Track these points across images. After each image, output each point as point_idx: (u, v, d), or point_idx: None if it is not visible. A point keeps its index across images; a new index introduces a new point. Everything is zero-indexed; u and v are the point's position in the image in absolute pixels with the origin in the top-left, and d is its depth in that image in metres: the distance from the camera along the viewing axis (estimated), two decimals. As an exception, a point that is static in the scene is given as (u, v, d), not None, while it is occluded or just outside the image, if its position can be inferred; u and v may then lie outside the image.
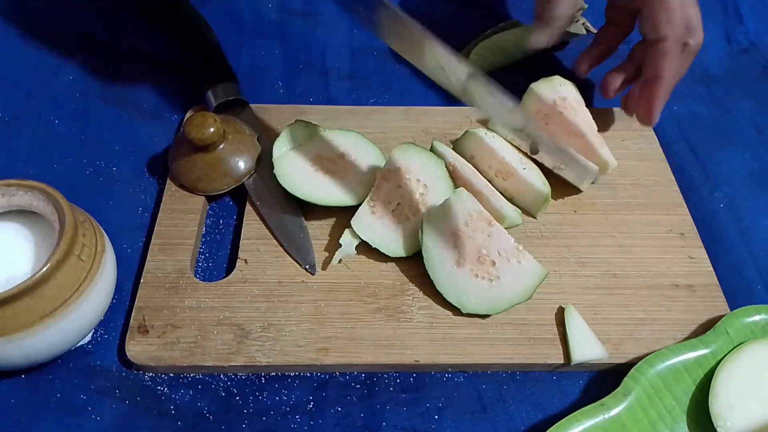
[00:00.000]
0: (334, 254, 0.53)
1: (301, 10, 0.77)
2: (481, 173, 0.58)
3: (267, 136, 0.62)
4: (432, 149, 0.58)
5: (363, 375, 0.49)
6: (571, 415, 0.44)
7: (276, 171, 0.56)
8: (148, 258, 0.54)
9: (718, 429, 0.44)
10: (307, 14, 0.76)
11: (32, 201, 0.47)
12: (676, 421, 0.46)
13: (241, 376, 0.49)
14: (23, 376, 0.48)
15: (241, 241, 0.55)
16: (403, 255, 0.53)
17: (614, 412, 0.45)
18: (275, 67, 0.72)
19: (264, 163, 0.59)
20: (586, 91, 0.68)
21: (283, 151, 0.57)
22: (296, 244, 0.54)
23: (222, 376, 0.49)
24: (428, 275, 0.51)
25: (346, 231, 0.54)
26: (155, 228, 0.56)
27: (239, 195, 0.60)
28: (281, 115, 0.65)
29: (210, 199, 0.59)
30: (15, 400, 0.47)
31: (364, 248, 0.54)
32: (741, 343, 0.48)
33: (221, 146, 0.57)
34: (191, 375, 0.49)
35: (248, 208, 0.57)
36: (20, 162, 0.62)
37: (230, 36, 0.72)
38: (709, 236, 0.57)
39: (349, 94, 0.69)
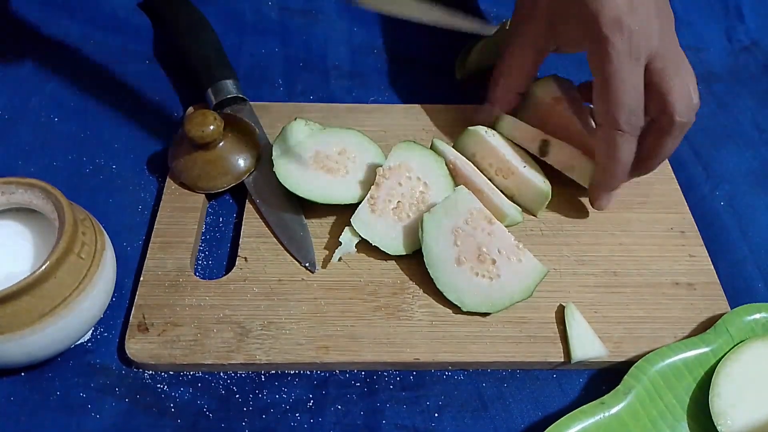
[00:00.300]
0: (333, 252, 0.53)
1: (302, 9, 0.76)
2: (481, 171, 0.58)
3: (267, 134, 0.62)
4: (432, 147, 0.58)
5: (363, 373, 0.49)
6: (571, 413, 0.44)
7: (276, 169, 0.55)
8: (147, 256, 0.54)
9: (719, 427, 0.44)
10: (308, 12, 0.76)
11: (32, 199, 0.47)
12: (676, 420, 0.46)
13: (241, 374, 0.49)
14: (23, 374, 0.48)
15: (241, 239, 0.55)
16: (403, 253, 0.53)
17: (615, 410, 0.45)
18: (276, 65, 0.72)
19: (264, 161, 0.59)
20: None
21: (282, 149, 0.57)
22: (296, 242, 0.54)
23: (222, 374, 0.49)
24: (428, 273, 0.51)
25: (346, 229, 0.54)
26: (155, 226, 0.56)
27: (239, 193, 0.60)
28: (282, 113, 0.65)
29: (210, 197, 0.59)
30: (14, 398, 0.47)
31: (364, 246, 0.54)
32: (741, 342, 0.48)
33: (221, 144, 0.57)
34: (191, 373, 0.49)
35: (248, 206, 0.57)
36: (20, 160, 0.62)
37: (231, 34, 0.72)
38: (709, 234, 0.57)
39: (349, 92, 0.69)
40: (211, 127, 0.55)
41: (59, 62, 0.70)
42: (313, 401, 0.48)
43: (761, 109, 0.70)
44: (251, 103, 0.64)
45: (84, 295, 0.45)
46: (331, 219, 0.57)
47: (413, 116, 0.65)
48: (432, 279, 0.51)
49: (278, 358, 0.48)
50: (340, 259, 0.53)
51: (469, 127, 0.60)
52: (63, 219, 0.45)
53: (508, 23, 0.72)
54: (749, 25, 0.79)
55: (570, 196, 0.59)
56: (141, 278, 0.52)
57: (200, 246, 0.56)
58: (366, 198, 0.54)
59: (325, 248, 0.55)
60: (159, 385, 0.48)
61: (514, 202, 0.58)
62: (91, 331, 0.50)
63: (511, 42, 0.59)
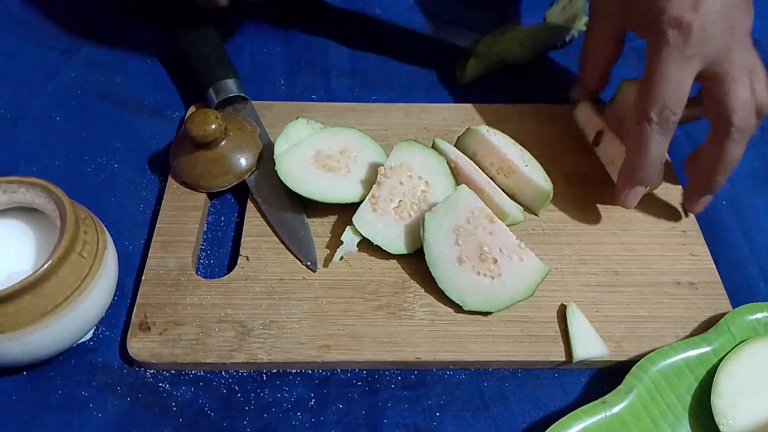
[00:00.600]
0: (335, 251, 0.53)
1: (303, 8, 0.76)
2: (483, 170, 0.58)
3: (269, 133, 0.62)
4: (433, 146, 0.58)
5: (364, 372, 0.49)
6: (572, 412, 0.44)
7: (277, 168, 0.55)
8: (149, 255, 0.54)
9: (721, 427, 0.44)
10: (309, 12, 0.76)
11: (34, 198, 0.47)
12: (678, 419, 0.45)
13: (242, 373, 0.49)
14: (25, 373, 0.48)
15: (242, 239, 0.55)
16: (405, 252, 0.53)
17: (616, 409, 0.45)
18: (277, 64, 0.72)
19: (265, 159, 0.59)
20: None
21: (284, 148, 0.57)
22: (298, 241, 0.54)
23: (223, 373, 0.49)
24: (429, 272, 0.51)
25: (348, 228, 0.54)
26: (157, 225, 0.56)
27: (241, 192, 0.60)
28: (283, 112, 0.65)
29: (211, 196, 0.59)
30: (16, 397, 0.47)
31: (366, 245, 0.54)
32: (743, 341, 0.48)
33: (223, 143, 0.57)
34: (193, 372, 0.49)
35: (249, 205, 0.57)
36: (22, 159, 0.62)
37: (232, 34, 0.72)
38: (711, 234, 0.57)
39: (350, 91, 0.69)
40: (213, 126, 0.55)
41: (60, 62, 0.70)
42: (315, 400, 0.48)
43: (763, 108, 0.70)
44: (253, 102, 0.64)
45: (86, 294, 0.45)
46: (332, 218, 0.57)
47: (414, 115, 0.65)
48: (433, 278, 0.51)
49: (280, 357, 0.48)
50: (341, 258, 0.53)
51: (471, 126, 0.59)
52: (65, 218, 0.45)
53: (505, 29, 0.72)
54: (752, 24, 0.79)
55: (572, 196, 0.59)
56: (143, 277, 0.52)
57: (202, 245, 0.56)
58: (367, 197, 0.54)
59: (326, 247, 0.55)
60: (160, 384, 0.48)
61: (516, 201, 0.58)
62: (92, 330, 0.50)
63: (592, 20, 0.60)
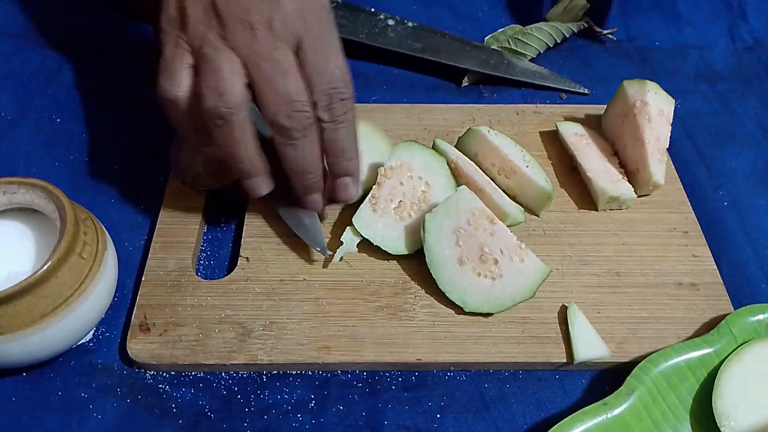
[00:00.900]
0: (335, 252, 0.53)
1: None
2: (483, 171, 0.58)
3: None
4: (434, 147, 0.58)
5: (365, 373, 0.49)
6: (573, 414, 0.44)
7: None
8: (149, 256, 0.53)
9: (722, 428, 0.44)
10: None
11: (34, 199, 0.47)
12: (679, 421, 0.45)
13: (242, 374, 0.49)
14: (24, 374, 0.48)
15: (242, 239, 0.55)
16: (405, 253, 0.53)
17: (617, 411, 0.44)
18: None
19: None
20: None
21: None
22: (305, 227, 0.54)
23: (223, 374, 0.49)
24: (430, 273, 0.51)
25: (348, 229, 0.53)
26: (156, 226, 0.56)
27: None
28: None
29: (212, 194, 0.59)
30: (16, 398, 0.47)
31: (366, 246, 0.54)
32: (745, 342, 0.47)
33: None
34: (193, 373, 0.49)
35: (250, 206, 0.57)
36: (22, 160, 0.62)
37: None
38: (712, 235, 0.57)
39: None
40: None
41: (61, 63, 0.70)
42: (315, 401, 0.47)
43: (765, 108, 0.70)
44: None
45: (85, 295, 0.45)
46: (332, 219, 0.57)
47: (415, 116, 0.65)
48: (434, 279, 0.51)
49: (280, 359, 0.48)
50: (341, 259, 0.53)
51: (472, 127, 0.59)
52: (64, 219, 0.45)
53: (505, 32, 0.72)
54: (753, 25, 0.79)
55: (573, 196, 0.59)
56: (143, 278, 0.52)
57: (202, 246, 0.56)
58: (368, 198, 0.54)
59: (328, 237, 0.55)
60: (160, 386, 0.48)
61: (517, 202, 0.58)
62: (92, 331, 0.50)
63: None
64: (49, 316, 0.44)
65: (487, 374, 0.49)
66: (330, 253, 0.53)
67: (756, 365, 0.46)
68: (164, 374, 0.49)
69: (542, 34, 0.72)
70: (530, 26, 0.73)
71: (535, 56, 0.73)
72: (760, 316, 0.49)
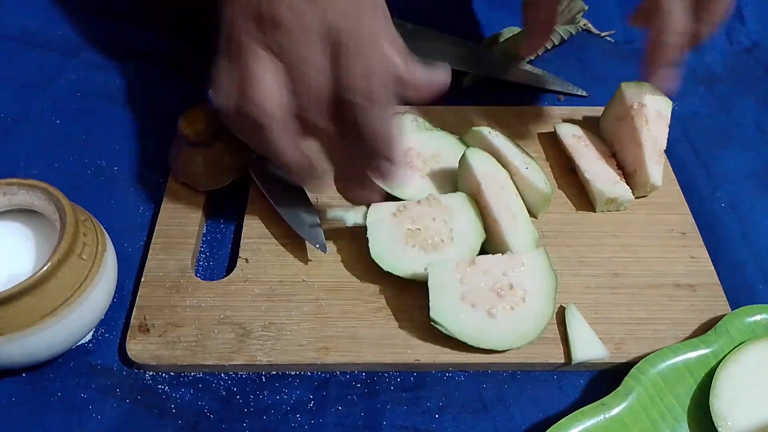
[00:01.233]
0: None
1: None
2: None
3: None
4: (463, 158, 0.56)
5: (364, 374, 0.49)
6: (571, 414, 0.44)
7: None
8: (149, 257, 0.54)
9: (719, 429, 0.44)
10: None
11: (33, 200, 0.47)
12: (677, 421, 0.45)
13: (242, 375, 0.49)
14: (24, 375, 0.48)
15: (241, 240, 0.55)
16: (395, 273, 0.51)
17: (615, 411, 0.45)
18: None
19: None
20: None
21: None
22: (305, 225, 0.54)
23: (223, 375, 0.49)
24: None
25: (360, 207, 0.53)
26: (156, 227, 0.56)
27: (240, 193, 0.60)
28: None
29: (211, 196, 0.59)
30: (16, 399, 0.47)
31: (366, 246, 0.54)
32: (742, 343, 0.48)
33: (218, 140, 0.57)
34: (192, 374, 0.49)
35: (249, 207, 0.57)
36: (22, 161, 0.62)
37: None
38: (710, 236, 0.57)
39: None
40: (203, 124, 0.55)
41: (60, 64, 0.70)
42: (314, 402, 0.48)
43: (762, 110, 0.70)
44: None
45: (85, 295, 0.45)
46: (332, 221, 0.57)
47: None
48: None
49: (279, 359, 0.48)
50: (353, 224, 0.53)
51: (472, 128, 0.60)
52: (64, 220, 0.45)
53: (503, 34, 0.73)
54: (750, 27, 0.79)
55: (571, 197, 0.59)
56: (142, 279, 0.52)
57: (201, 247, 0.56)
58: (398, 203, 0.54)
59: (328, 238, 0.55)
60: (160, 386, 0.48)
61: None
62: (92, 332, 0.50)
63: None
64: (48, 317, 0.44)
65: (486, 375, 0.49)
66: (320, 270, 0.53)
67: (753, 366, 0.46)
68: (164, 375, 0.49)
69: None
70: (529, 28, 0.73)
71: (533, 58, 0.73)
72: (758, 317, 0.49)
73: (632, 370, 0.46)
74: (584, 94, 0.70)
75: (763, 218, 0.60)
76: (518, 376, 0.49)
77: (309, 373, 0.49)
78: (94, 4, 0.76)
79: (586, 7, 0.75)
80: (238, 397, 0.48)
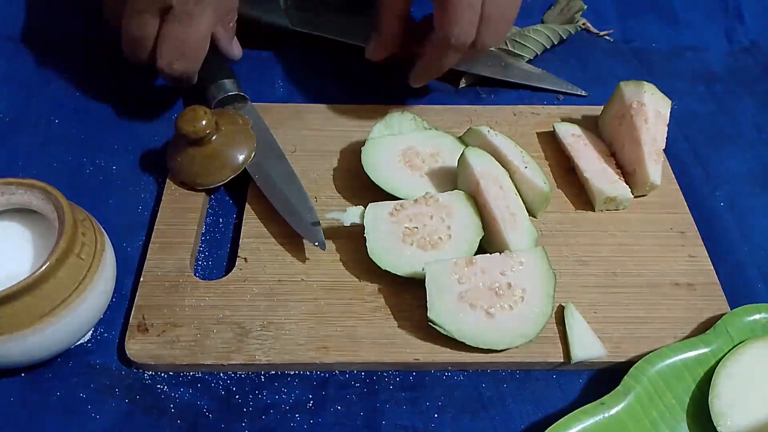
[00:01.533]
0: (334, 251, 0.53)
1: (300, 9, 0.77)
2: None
3: (269, 126, 0.62)
4: (462, 156, 0.56)
5: (363, 373, 0.49)
6: (571, 413, 0.44)
7: (365, 148, 0.58)
8: (147, 256, 0.54)
9: (719, 428, 0.44)
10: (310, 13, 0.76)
11: (32, 200, 0.47)
12: (676, 420, 0.45)
13: (240, 374, 0.49)
14: (23, 374, 0.48)
15: (240, 240, 0.55)
16: (392, 272, 0.51)
17: (614, 410, 0.45)
18: (276, 66, 0.72)
19: (266, 148, 0.60)
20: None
21: (382, 133, 0.60)
22: (304, 223, 0.54)
23: (222, 374, 0.49)
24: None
25: (358, 207, 0.53)
26: (155, 227, 0.56)
27: (239, 193, 0.60)
28: (282, 113, 0.65)
29: (210, 192, 0.59)
30: (14, 399, 0.47)
31: (364, 246, 0.54)
32: (741, 342, 0.48)
33: (215, 138, 0.57)
34: (191, 373, 0.49)
35: (248, 206, 0.57)
36: (20, 161, 0.62)
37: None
38: (709, 235, 0.57)
39: (350, 93, 0.69)
40: (203, 122, 0.55)
41: (59, 64, 0.70)
42: (313, 402, 0.48)
43: (761, 109, 0.70)
44: (253, 103, 0.64)
45: (84, 295, 0.45)
46: (331, 220, 0.57)
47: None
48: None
49: (278, 359, 0.48)
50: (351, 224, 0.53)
51: (471, 127, 0.60)
52: (63, 219, 0.45)
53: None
54: (749, 26, 0.79)
55: (570, 197, 0.59)
56: (141, 279, 0.52)
57: (200, 246, 0.56)
58: (395, 202, 0.54)
59: (327, 238, 0.55)
60: (159, 386, 0.48)
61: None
62: (91, 332, 0.50)
63: None
64: (47, 317, 0.44)
65: (485, 374, 0.49)
66: (319, 269, 0.53)
67: (753, 365, 0.46)
68: (162, 374, 0.49)
69: (539, 36, 0.73)
70: (527, 28, 0.73)
71: (532, 58, 0.73)
72: (757, 316, 0.49)
73: (631, 369, 0.46)
74: (583, 93, 0.70)
75: (762, 217, 0.60)
76: (517, 376, 0.49)
77: (308, 373, 0.49)
78: (93, 4, 0.76)
79: (585, 7, 0.75)
80: (237, 396, 0.48)
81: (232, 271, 0.53)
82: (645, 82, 0.60)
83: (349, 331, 0.50)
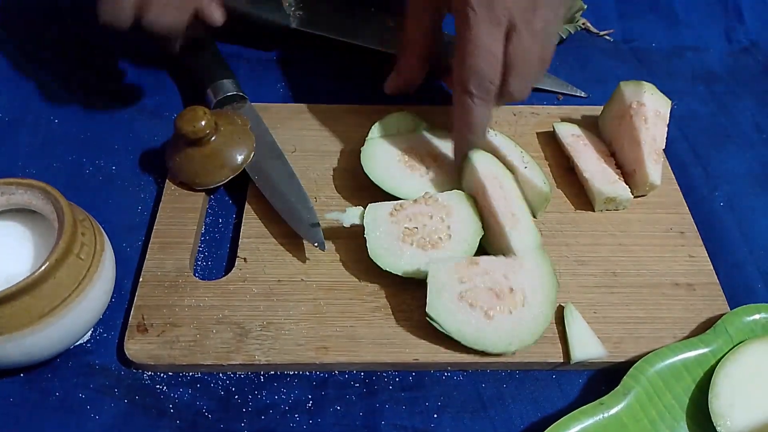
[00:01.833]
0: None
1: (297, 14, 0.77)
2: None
3: (268, 127, 0.62)
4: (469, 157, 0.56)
5: (362, 373, 0.49)
6: (570, 414, 0.44)
7: (364, 149, 0.58)
8: (147, 257, 0.54)
9: (718, 428, 0.44)
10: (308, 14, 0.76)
11: (31, 200, 0.47)
12: (676, 420, 0.45)
13: (240, 374, 0.49)
14: (22, 374, 0.48)
15: (240, 240, 0.55)
16: (392, 272, 0.51)
17: (614, 411, 0.45)
18: (275, 66, 0.72)
19: (265, 148, 0.60)
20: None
21: (376, 135, 0.60)
22: (304, 224, 0.54)
23: (221, 374, 0.49)
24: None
25: (357, 207, 0.53)
26: (154, 227, 0.56)
27: (238, 193, 0.60)
28: (281, 113, 0.65)
29: (209, 192, 0.59)
30: (14, 399, 0.47)
31: (364, 245, 0.54)
32: (741, 342, 0.48)
33: (214, 138, 0.57)
34: (190, 374, 0.49)
35: (247, 206, 0.57)
36: (20, 161, 0.62)
37: (230, 35, 0.72)
38: (709, 235, 0.57)
39: (350, 93, 0.69)
40: (202, 122, 0.55)
41: (59, 64, 0.70)
42: (313, 402, 0.48)
43: (761, 109, 0.70)
44: (252, 103, 0.64)
45: (83, 295, 0.45)
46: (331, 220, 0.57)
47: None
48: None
49: (277, 359, 0.48)
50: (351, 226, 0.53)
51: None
52: (62, 220, 0.45)
53: None
54: (749, 26, 0.79)
55: (569, 197, 0.59)
56: (140, 279, 0.52)
57: (200, 246, 0.56)
58: (395, 203, 0.54)
59: (326, 239, 0.55)
60: (158, 386, 0.48)
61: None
62: (90, 332, 0.50)
63: (407, 10, 0.58)
64: (47, 317, 0.44)
65: (484, 374, 0.49)
66: (318, 269, 0.53)
67: (752, 365, 0.46)
68: (162, 375, 0.49)
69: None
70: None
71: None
72: (756, 316, 0.49)
73: (631, 369, 0.46)
74: (583, 95, 0.70)
75: (761, 217, 0.60)
76: (517, 376, 0.49)
77: (307, 373, 0.49)
78: (92, 4, 0.76)
79: (585, 6, 0.75)
80: (236, 396, 0.48)
81: (232, 271, 0.53)
82: (645, 82, 0.60)
83: (349, 331, 0.50)
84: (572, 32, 0.75)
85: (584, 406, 0.45)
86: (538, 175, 0.57)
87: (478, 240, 0.53)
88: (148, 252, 0.54)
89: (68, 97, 0.67)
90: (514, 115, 0.66)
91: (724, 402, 0.45)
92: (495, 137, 0.59)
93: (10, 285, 0.42)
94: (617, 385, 0.46)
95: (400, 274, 0.51)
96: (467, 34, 0.49)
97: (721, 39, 0.78)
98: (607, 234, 0.56)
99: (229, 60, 0.67)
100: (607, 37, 0.78)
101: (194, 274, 0.54)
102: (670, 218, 0.58)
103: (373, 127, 0.60)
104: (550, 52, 0.54)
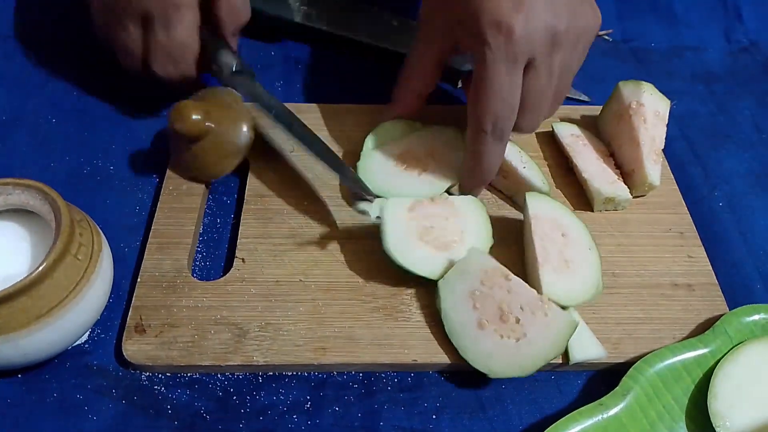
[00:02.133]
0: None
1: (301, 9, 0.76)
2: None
3: (268, 126, 0.61)
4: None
5: (361, 374, 0.49)
6: (569, 414, 0.44)
7: (359, 164, 0.58)
8: (145, 257, 0.53)
9: (717, 428, 0.44)
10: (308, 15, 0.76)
11: (29, 200, 0.47)
12: (675, 421, 0.45)
13: (238, 375, 0.49)
14: (20, 375, 0.48)
15: (238, 240, 0.55)
16: (399, 265, 0.50)
17: (613, 411, 0.45)
18: (274, 66, 0.72)
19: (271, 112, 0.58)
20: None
21: (371, 146, 0.59)
22: (351, 175, 0.55)
23: (219, 375, 0.49)
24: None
25: (381, 199, 0.53)
26: (152, 227, 0.55)
27: (237, 193, 0.59)
28: (279, 113, 0.65)
29: (208, 194, 0.59)
30: (11, 400, 0.47)
31: (363, 246, 0.53)
32: (740, 343, 0.48)
33: (213, 129, 0.56)
34: (188, 374, 0.49)
35: (246, 207, 0.57)
36: (17, 161, 0.62)
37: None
38: (708, 235, 0.57)
39: (350, 93, 0.69)
40: (193, 117, 0.54)
41: (57, 63, 0.70)
42: (311, 403, 0.47)
43: (760, 109, 0.70)
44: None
45: (81, 296, 0.45)
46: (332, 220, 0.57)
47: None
48: (431, 281, 0.50)
49: (276, 360, 0.48)
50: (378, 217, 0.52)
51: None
52: (60, 220, 0.45)
53: None
54: (748, 26, 0.79)
55: (568, 197, 0.59)
56: (138, 279, 0.52)
57: (198, 247, 0.56)
58: (413, 199, 0.53)
59: (325, 239, 0.55)
60: (156, 387, 0.48)
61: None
62: (88, 333, 0.50)
63: (422, 41, 0.57)
64: (44, 318, 0.43)
65: (483, 375, 0.49)
66: (317, 270, 0.53)
67: (751, 365, 0.46)
68: (160, 375, 0.48)
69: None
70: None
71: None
72: (756, 317, 0.49)
73: (630, 370, 0.46)
74: (586, 98, 0.70)
75: (761, 217, 0.60)
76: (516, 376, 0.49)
77: (306, 374, 0.49)
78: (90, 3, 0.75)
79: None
80: (234, 397, 0.48)
81: (230, 271, 0.53)
82: (644, 82, 0.60)
83: (348, 332, 0.50)
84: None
85: (583, 407, 0.45)
86: (536, 175, 0.57)
87: (488, 249, 0.52)
88: (146, 252, 0.54)
89: (66, 97, 0.67)
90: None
91: (723, 402, 0.45)
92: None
93: (8, 286, 0.42)
94: (616, 386, 0.46)
95: (414, 271, 0.50)
96: (484, 74, 0.48)
97: (721, 39, 0.78)
98: (606, 234, 0.56)
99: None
100: (606, 37, 0.78)
101: (192, 275, 0.53)
102: (669, 218, 0.58)
103: (366, 139, 0.59)
104: (566, 91, 0.53)
